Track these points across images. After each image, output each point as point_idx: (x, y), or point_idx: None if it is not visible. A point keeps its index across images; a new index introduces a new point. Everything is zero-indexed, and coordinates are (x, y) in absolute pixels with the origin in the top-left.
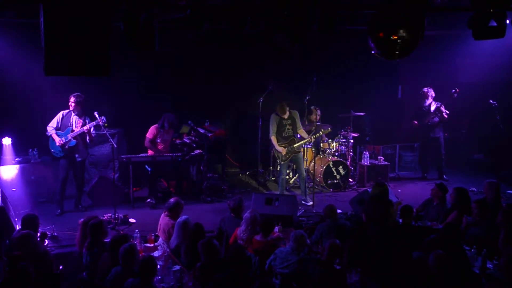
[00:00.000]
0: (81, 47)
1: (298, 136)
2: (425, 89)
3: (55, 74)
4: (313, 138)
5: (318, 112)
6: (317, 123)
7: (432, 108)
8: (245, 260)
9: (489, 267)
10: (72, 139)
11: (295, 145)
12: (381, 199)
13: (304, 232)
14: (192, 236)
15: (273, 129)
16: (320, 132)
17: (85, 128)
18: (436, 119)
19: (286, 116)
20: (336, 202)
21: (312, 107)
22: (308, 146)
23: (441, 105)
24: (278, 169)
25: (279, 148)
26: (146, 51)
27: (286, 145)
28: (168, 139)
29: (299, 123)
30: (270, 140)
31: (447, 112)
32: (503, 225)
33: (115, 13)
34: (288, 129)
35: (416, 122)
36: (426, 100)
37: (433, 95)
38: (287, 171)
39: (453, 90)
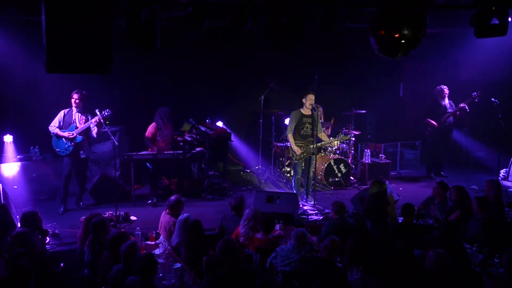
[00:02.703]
0: (82, 45)
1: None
2: (443, 87)
3: (57, 71)
4: (336, 142)
5: (321, 109)
6: (320, 121)
7: (448, 107)
8: (237, 253)
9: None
10: (78, 135)
11: (311, 146)
12: (378, 198)
13: (305, 230)
14: (190, 232)
15: (291, 126)
16: (341, 136)
17: (94, 120)
18: (451, 119)
19: (308, 114)
20: (337, 200)
21: (314, 105)
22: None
23: (464, 106)
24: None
25: (295, 148)
26: (148, 49)
27: (303, 144)
28: (168, 135)
29: (320, 125)
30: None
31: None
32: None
33: (117, 11)
34: (307, 127)
35: (434, 123)
36: (443, 98)
37: (448, 92)
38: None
39: (475, 94)
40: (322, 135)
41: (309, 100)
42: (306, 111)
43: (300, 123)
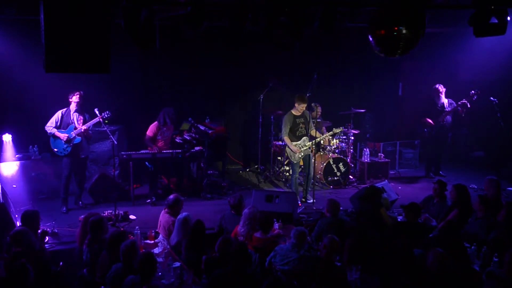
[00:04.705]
0: (81, 44)
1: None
2: (437, 86)
3: (56, 71)
4: (330, 136)
5: (319, 108)
6: (318, 120)
7: (446, 105)
8: (248, 258)
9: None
10: (76, 136)
11: (307, 144)
12: (369, 200)
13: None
14: (192, 233)
15: (286, 129)
16: (334, 130)
17: (93, 121)
18: (449, 118)
19: (300, 114)
20: (336, 199)
21: (312, 104)
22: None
23: (465, 101)
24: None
25: (294, 149)
26: (147, 49)
27: (298, 143)
28: (168, 136)
29: (311, 123)
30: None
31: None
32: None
33: (116, 10)
34: (301, 127)
35: (432, 122)
36: (440, 97)
37: (444, 90)
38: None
39: (473, 92)
40: (313, 132)
41: (301, 107)
42: (297, 112)
43: (294, 124)
